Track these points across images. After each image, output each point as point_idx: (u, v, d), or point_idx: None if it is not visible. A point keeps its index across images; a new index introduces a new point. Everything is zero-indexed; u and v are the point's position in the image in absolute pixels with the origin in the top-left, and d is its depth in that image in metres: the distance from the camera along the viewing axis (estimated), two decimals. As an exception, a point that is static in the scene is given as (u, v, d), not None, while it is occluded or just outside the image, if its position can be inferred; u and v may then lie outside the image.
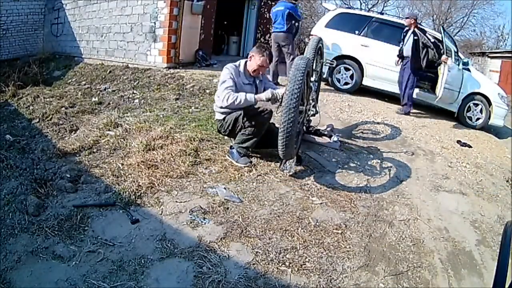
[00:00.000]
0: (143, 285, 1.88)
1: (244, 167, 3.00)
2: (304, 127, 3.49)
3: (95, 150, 3.33)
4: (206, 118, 4.11)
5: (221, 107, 3.02)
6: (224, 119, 3.07)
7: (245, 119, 2.95)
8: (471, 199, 3.31)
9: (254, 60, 3.00)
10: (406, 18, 5.68)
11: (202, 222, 2.34)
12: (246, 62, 3.07)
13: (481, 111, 5.82)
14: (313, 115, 3.51)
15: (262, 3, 8.88)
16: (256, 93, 3.10)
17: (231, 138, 3.24)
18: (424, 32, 5.49)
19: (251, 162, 3.05)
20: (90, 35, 7.97)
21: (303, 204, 2.66)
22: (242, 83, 3.02)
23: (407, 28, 5.48)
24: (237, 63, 3.09)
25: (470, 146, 4.68)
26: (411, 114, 5.54)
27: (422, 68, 5.42)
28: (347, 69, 6.13)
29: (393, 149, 3.99)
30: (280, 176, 2.98)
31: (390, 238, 2.52)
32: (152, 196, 2.61)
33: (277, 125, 3.09)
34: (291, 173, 3.01)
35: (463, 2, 19.88)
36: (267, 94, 2.83)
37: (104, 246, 2.12)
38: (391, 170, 3.43)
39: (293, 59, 5.12)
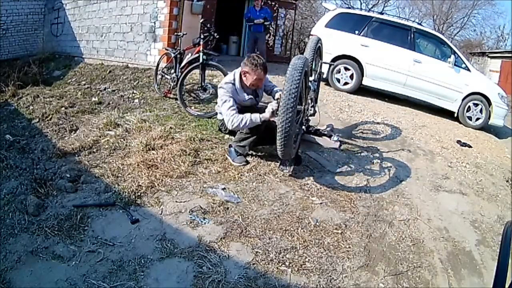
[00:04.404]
0: (143, 285, 1.89)
1: (239, 166, 3.00)
2: (304, 127, 3.49)
3: (95, 150, 3.33)
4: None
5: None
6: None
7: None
8: (471, 199, 3.30)
9: (250, 76, 2.92)
10: None
11: (202, 222, 2.34)
12: (240, 75, 2.98)
13: (481, 111, 5.83)
14: (312, 115, 3.51)
15: (262, 3, 8.87)
16: (257, 97, 3.14)
17: (232, 137, 3.25)
18: None
19: (246, 161, 3.05)
20: (90, 35, 7.97)
21: (303, 204, 2.66)
22: (242, 101, 2.99)
23: None
24: (231, 78, 2.98)
25: (470, 146, 4.68)
26: (409, 113, 5.57)
27: None
28: (347, 69, 6.13)
29: (393, 149, 3.99)
30: (280, 176, 2.98)
31: (390, 238, 2.52)
32: (152, 196, 2.60)
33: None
34: (290, 173, 3.01)
35: (463, 3, 19.90)
36: (269, 110, 2.80)
37: (104, 246, 2.12)
38: (391, 170, 3.43)
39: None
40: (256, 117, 2.82)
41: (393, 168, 3.49)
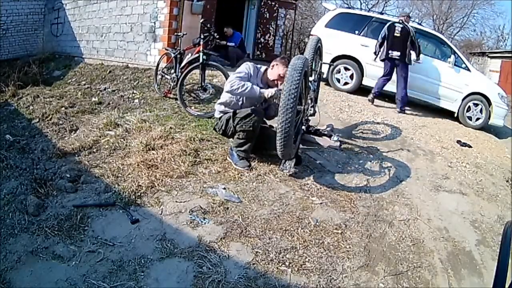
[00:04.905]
0: (143, 285, 1.89)
1: (242, 170, 2.99)
2: (304, 127, 3.49)
3: (95, 150, 3.34)
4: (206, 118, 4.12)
5: (222, 104, 3.06)
6: (220, 118, 3.11)
7: (235, 122, 2.94)
8: (471, 199, 3.30)
9: (277, 69, 2.95)
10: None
11: (202, 222, 2.34)
12: (266, 69, 3.06)
13: (481, 111, 5.82)
14: (312, 115, 3.51)
15: (262, 3, 8.87)
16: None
17: (230, 139, 3.24)
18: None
19: (249, 165, 3.03)
20: (90, 35, 7.97)
21: (303, 204, 2.66)
22: (255, 82, 2.99)
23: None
24: (259, 66, 3.08)
25: (470, 146, 4.68)
26: (409, 113, 5.56)
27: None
28: (347, 69, 6.13)
29: (393, 149, 3.99)
30: (280, 176, 2.98)
31: (390, 238, 2.52)
32: (152, 196, 2.60)
33: (275, 126, 3.09)
34: (290, 173, 3.01)
35: (463, 2, 19.87)
36: (271, 91, 2.82)
37: (104, 246, 2.12)
38: (391, 170, 3.43)
39: None
40: (257, 89, 2.82)
41: (393, 168, 3.49)
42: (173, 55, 4.94)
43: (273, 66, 3.01)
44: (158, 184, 2.72)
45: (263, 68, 3.07)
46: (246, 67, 2.98)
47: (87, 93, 5.46)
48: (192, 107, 4.43)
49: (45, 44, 9.73)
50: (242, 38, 7.17)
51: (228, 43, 6.57)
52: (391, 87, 6.08)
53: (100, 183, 2.76)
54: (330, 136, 3.72)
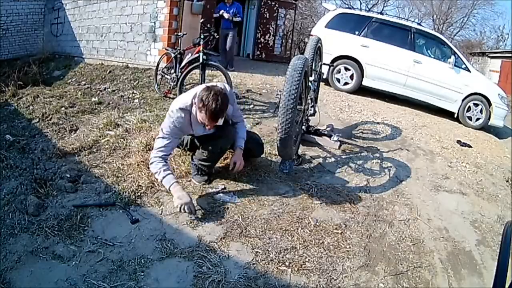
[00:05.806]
0: (143, 285, 1.89)
1: (199, 184, 2.72)
2: (304, 127, 3.49)
3: (95, 150, 3.33)
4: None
5: None
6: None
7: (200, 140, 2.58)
8: (471, 199, 3.31)
9: (198, 115, 2.28)
10: None
11: (202, 222, 2.34)
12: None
13: (481, 111, 5.83)
14: (312, 115, 3.51)
15: (262, 3, 8.88)
16: (216, 132, 2.49)
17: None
18: None
19: (206, 180, 2.73)
20: (90, 35, 7.98)
21: (303, 204, 2.66)
22: (196, 133, 2.51)
23: None
24: (187, 102, 2.35)
25: (470, 146, 4.68)
26: (409, 113, 5.57)
27: None
28: (347, 69, 6.14)
29: (393, 149, 3.99)
30: (280, 176, 2.98)
31: (390, 238, 2.52)
32: (152, 196, 2.60)
33: (274, 125, 3.09)
34: (290, 173, 3.01)
35: (463, 2, 19.91)
36: (175, 202, 2.32)
37: (104, 246, 2.12)
38: (391, 170, 3.43)
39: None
40: (166, 183, 2.38)
41: (393, 168, 3.49)
42: (173, 55, 4.95)
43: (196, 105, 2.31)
44: (158, 184, 2.71)
45: (193, 108, 2.35)
46: (169, 123, 2.37)
47: (87, 93, 5.46)
48: (192, 107, 4.42)
49: (45, 44, 9.74)
50: (240, 6, 6.98)
51: (235, 19, 6.46)
52: (390, 87, 6.10)
53: (100, 183, 2.75)
54: (330, 136, 3.72)
